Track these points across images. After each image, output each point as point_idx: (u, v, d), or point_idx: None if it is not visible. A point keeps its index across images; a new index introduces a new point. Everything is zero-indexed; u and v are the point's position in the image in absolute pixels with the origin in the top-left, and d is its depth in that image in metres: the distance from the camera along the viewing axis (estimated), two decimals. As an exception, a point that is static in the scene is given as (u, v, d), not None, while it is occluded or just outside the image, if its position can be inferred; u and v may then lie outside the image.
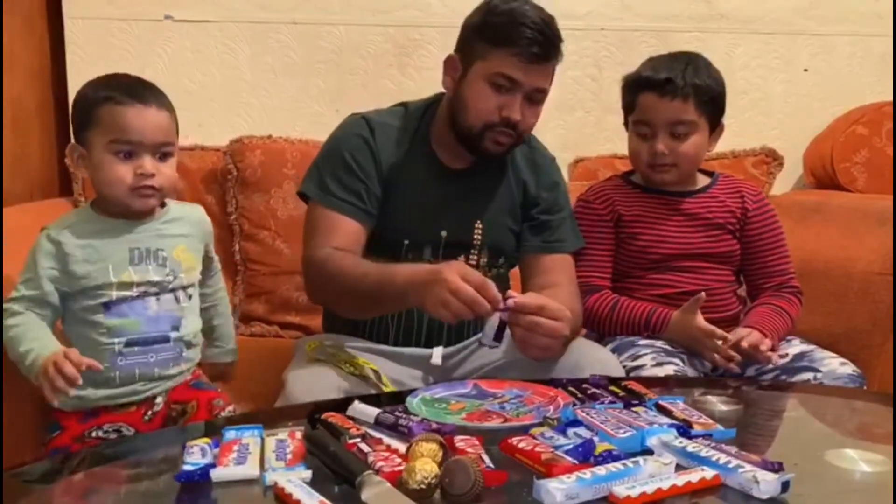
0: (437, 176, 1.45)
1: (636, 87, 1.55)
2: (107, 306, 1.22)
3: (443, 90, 1.46)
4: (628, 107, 1.58)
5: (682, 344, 1.50)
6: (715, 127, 1.56)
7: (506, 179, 1.49)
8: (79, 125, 1.25)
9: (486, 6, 1.40)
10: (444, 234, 1.43)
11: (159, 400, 1.27)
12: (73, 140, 1.26)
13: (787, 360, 1.49)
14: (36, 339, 1.18)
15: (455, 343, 1.45)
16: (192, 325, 1.30)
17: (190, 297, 1.30)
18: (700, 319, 1.46)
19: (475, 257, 1.45)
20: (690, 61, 1.54)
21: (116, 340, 1.22)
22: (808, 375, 1.44)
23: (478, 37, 1.38)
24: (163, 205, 1.30)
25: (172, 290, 1.27)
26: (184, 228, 1.31)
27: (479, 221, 1.45)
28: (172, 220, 1.30)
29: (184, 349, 1.28)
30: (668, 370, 1.41)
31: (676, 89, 1.50)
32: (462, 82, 1.40)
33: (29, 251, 1.24)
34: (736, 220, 1.60)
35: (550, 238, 1.49)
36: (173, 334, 1.26)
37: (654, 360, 1.43)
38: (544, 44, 1.35)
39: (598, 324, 1.56)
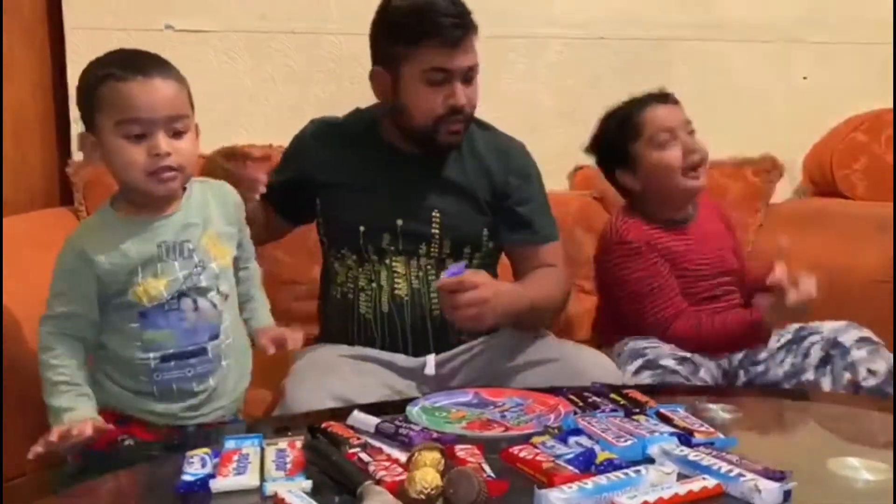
0: (389, 163, 1.46)
1: (638, 108, 1.59)
2: (142, 314, 1.15)
3: None
4: (634, 132, 1.58)
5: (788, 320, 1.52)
6: None
7: (463, 167, 1.47)
8: (84, 111, 1.15)
9: (385, 11, 1.39)
10: (399, 222, 1.42)
11: (191, 429, 1.20)
12: (81, 129, 1.16)
13: (789, 335, 1.54)
14: (70, 401, 1.11)
15: (443, 348, 1.44)
16: (231, 330, 1.22)
17: (227, 297, 1.21)
18: (790, 299, 1.43)
19: (436, 248, 1.44)
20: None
21: (152, 355, 1.16)
22: (815, 338, 1.50)
23: (393, 41, 1.37)
24: (184, 188, 1.20)
25: (207, 292, 1.18)
26: (209, 211, 1.22)
27: (435, 211, 1.44)
28: (195, 204, 1.20)
29: (223, 359, 1.21)
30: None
31: (673, 97, 1.61)
32: (397, 90, 1.40)
33: (55, 262, 1.18)
34: (726, 230, 1.70)
35: (533, 230, 1.49)
36: (210, 344, 1.19)
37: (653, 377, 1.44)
38: (460, 24, 1.34)
39: (696, 345, 1.53)
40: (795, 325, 1.56)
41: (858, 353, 1.45)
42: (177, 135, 1.14)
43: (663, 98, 1.60)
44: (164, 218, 1.18)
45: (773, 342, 1.55)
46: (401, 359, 1.43)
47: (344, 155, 1.48)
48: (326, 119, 1.57)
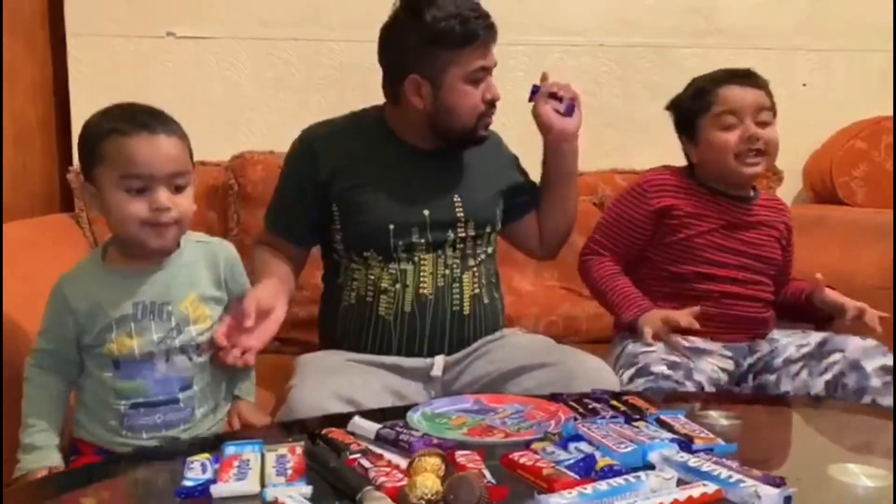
0: (409, 159, 1.49)
1: (715, 83, 1.57)
2: (116, 364, 1.18)
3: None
4: (704, 105, 1.56)
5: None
6: None
7: (479, 152, 1.53)
8: (86, 163, 1.17)
9: (421, 24, 1.41)
10: (426, 212, 1.45)
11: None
12: (82, 178, 1.20)
13: (810, 347, 1.50)
14: (32, 438, 1.17)
15: (456, 349, 1.46)
16: (205, 381, 1.23)
17: (204, 351, 1.22)
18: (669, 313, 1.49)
19: (462, 231, 1.47)
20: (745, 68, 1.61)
21: (123, 402, 1.18)
22: (837, 356, 1.44)
23: (438, 47, 1.41)
24: (178, 244, 1.22)
25: (183, 350, 1.19)
26: (196, 273, 1.22)
27: (456, 196, 1.48)
28: (184, 264, 1.21)
29: (196, 407, 1.22)
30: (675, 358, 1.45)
31: (758, 78, 1.57)
32: (439, 94, 1.43)
33: (48, 298, 1.22)
34: (786, 229, 1.65)
35: (532, 198, 1.60)
36: (182, 395, 1.20)
37: (666, 351, 1.45)
38: (492, 25, 1.44)
39: (591, 283, 1.61)
40: (818, 336, 1.51)
41: (875, 382, 1.40)
42: (178, 189, 1.16)
43: (745, 78, 1.56)
44: (149, 275, 1.19)
45: (794, 351, 1.51)
46: (407, 361, 1.44)
47: (359, 156, 1.48)
48: (321, 124, 1.54)
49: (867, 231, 1.76)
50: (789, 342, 1.54)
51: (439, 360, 1.43)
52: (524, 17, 2.17)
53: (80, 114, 2.09)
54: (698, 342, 1.50)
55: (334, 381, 1.29)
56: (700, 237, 1.56)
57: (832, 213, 1.99)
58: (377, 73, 2.29)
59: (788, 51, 2.24)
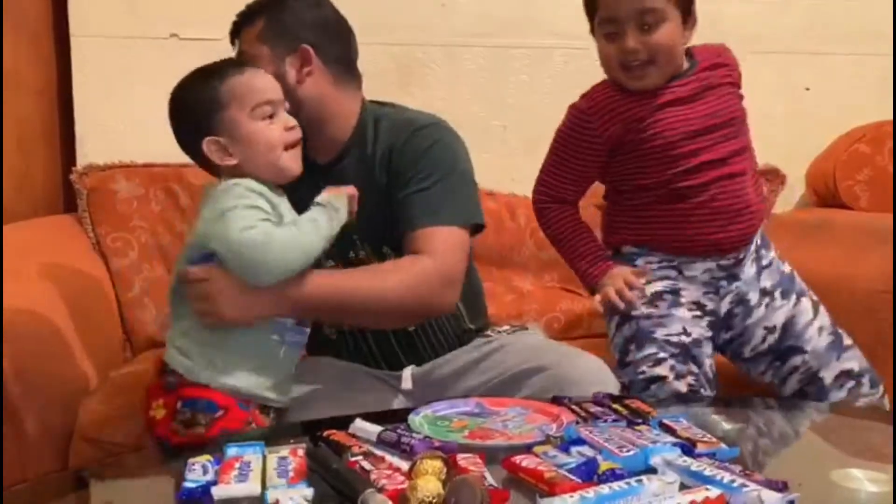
0: (309, 174, 1.29)
1: None
2: None
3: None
4: (592, 9, 1.41)
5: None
6: (687, 15, 1.41)
7: (367, 162, 1.38)
8: (204, 119, 1.21)
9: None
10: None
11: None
12: (202, 140, 1.20)
13: (775, 337, 1.47)
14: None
15: (415, 360, 1.44)
16: None
17: None
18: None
19: (363, 252, 1.38)
20: None
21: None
22: (798, 360, 1.44)
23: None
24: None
25: None
26: None
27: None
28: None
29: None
30: (689, 381, 1.41)
31: None
32: None
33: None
34: (738, 77, 1.51)
35: (403, 217, 1.34)
36: None
37: (671, 370, 1.40)
38: (234, 23, 1.41)
39: (551, 235, 1.51)
40: (776, 334, 1.47)
41: (835, 396, 1.42)
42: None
43: None
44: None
45: (760, 340, 1.47)
46: (376, 372, 1.44)
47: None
48: None
49: (871, 235, 1.76)
50: (756, 298, 1.47)
51: (407, 373, 1.42)
52: (527, 21, 2.18)
53: (84, 115, 2.10)
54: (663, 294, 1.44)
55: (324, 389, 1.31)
56: (659, 137, 1.41)
57: (835, 217, 1.98)
58: (379, 76, 2.30)
59: (791, 55, 2.24)
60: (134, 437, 1.42)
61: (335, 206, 1.22)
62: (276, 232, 1.15)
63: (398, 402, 1.41)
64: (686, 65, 1.47)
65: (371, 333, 1.43)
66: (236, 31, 1.40)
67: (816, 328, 1.47)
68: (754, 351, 1.50)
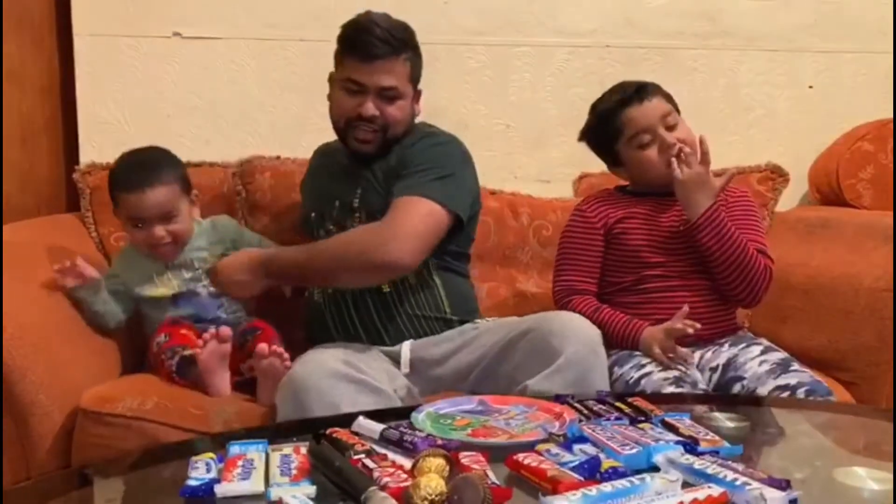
0: (341, 160, 1.69)
1: (615, 109, 1.62)
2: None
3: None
4: (615, 132, 1.62)
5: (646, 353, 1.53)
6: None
7: (391, 158, 1.62)
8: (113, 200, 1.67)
9: (345, 23, 1.60)
10: (337, 203, 1.64)
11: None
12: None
13: (717, 374, 1.54)
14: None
15: (406, 333, 1.58)
16: None
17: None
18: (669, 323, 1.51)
19: (359, 219, 1.61)
20: (630, 82, 1.66)
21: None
22: (737, 386, 1.48)
23: (338, 49, 1.61)
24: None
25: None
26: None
27: (358, 189, 1.63)
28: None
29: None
30: (674, 373, 1.47)
31: (649, 89, 1.62)
32: (331, 93, 1.65)
33: None
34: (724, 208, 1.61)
35: (395, 189, 1.55)
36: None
37: (658, 366, 1.49)
38: (378, 45, 1.53)
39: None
40: (718, 372, 1.53)
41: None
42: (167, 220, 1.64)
43: (639, 94, 1.61)
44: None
45: (706, 382, 1.54)
46: (380, 347, 1.56)
47: (324, 162, 1.79)
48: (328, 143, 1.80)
49: (874, 233, 1.75)
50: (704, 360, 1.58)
51: (406, 346, 1.54)
52: (530, 18, 2.17)
53: (87, 114, 2.10)
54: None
55: (334, 351, 1.43)
56: (637, 239, 1.62)
57: (838, 216, 1.98)
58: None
59: (795, 52, 2.23)
60: (134, 411, 1.43)
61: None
62: None
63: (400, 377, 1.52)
64: None
65: (352, 302, 1.58)
66: (377, 56, 1.55)
67: (758, 361, 1.50)
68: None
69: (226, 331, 1.50)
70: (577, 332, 1.39)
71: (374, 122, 1.57)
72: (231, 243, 1.73)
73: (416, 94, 1.66)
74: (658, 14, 2.20)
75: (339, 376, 1.29)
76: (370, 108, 1.56)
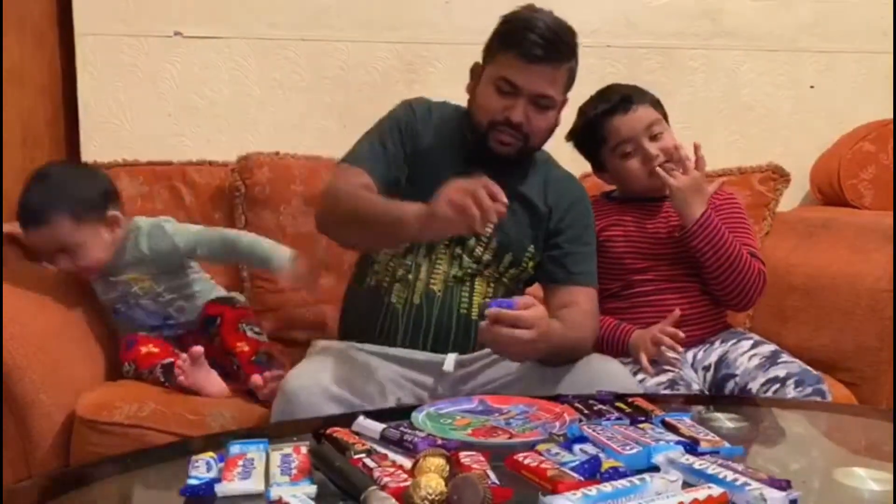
0: (467, 157, 1.46)
1: (599, 117, 1.61)
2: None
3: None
4: (600, 139, 1.62)
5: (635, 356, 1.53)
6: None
7: (530, 185, 1.52)
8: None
9: (506, 15, 1.45)
10: None
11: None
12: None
13: (711, 373, 1.55)
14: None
15: (463, 349, 1.45)
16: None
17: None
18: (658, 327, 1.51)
19: (483, 245, 1.46)
20: (619, 87, 1.65)
21: None
22: (731, 384, 1.49)
23: (493, 41, 1.46)
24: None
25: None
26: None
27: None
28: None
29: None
30: (669, 376, 1.47)
31: (636, 97, 1.60)
32: (476, 84, 1.48)
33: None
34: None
35: (575, 270, 1.49)
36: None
37: (652, 367, 1.49)
38: (544, 46, 1.38)
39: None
40: (711, 370, 1.55)
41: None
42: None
43: (625, 105, 1.59)
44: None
45: (700, 381, 1.55)
46: (420, 354, 1.44)
47: (433, 144, 1.51)
48: (432, 103, 1.57)
49: (875, 234, 1.75)
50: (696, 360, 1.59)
51: (451, 358, 1.42)
52: (531, 18, 2.17)
53: (88, 113, 2.10)
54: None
55: (330, 382, 1.30)
56: (622, 246, 1.62)
57: (840, 216, 1.98)
58: (384, 74, 2.30)
59: (796, 53, 2.23)
60: (131, 418, 1.44)
61: (282, 256, 1.65)
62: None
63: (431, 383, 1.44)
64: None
65: (437, 315, 1.45)
66: (539, 58, 1.39)
67: (748, 356, 1.51)
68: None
69: (197, 350, 1.50)
70: (612, 378, 1.34)
71: (520, 129, 1.43)
72: (166, 256, 1.65)
73: (563, 103, 1.51)
74: (659, 14, 2.19)
75: (328, 395, 1.25)
76: (519, 113, 1.41)
